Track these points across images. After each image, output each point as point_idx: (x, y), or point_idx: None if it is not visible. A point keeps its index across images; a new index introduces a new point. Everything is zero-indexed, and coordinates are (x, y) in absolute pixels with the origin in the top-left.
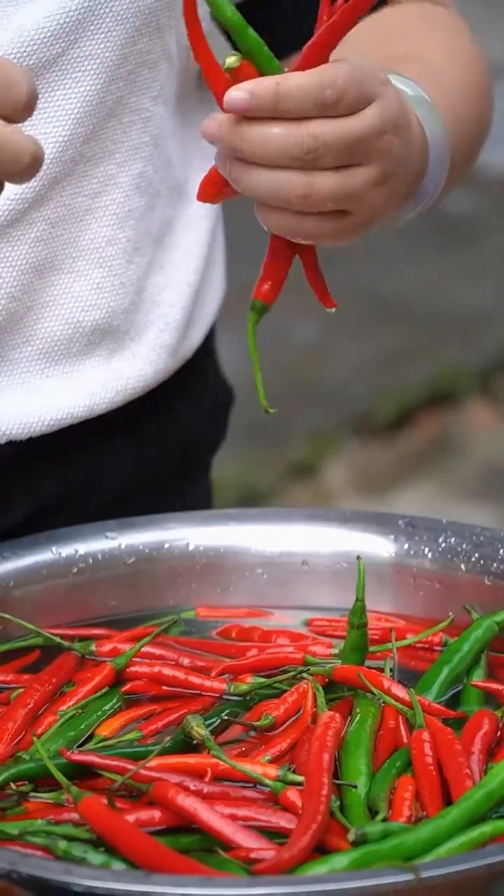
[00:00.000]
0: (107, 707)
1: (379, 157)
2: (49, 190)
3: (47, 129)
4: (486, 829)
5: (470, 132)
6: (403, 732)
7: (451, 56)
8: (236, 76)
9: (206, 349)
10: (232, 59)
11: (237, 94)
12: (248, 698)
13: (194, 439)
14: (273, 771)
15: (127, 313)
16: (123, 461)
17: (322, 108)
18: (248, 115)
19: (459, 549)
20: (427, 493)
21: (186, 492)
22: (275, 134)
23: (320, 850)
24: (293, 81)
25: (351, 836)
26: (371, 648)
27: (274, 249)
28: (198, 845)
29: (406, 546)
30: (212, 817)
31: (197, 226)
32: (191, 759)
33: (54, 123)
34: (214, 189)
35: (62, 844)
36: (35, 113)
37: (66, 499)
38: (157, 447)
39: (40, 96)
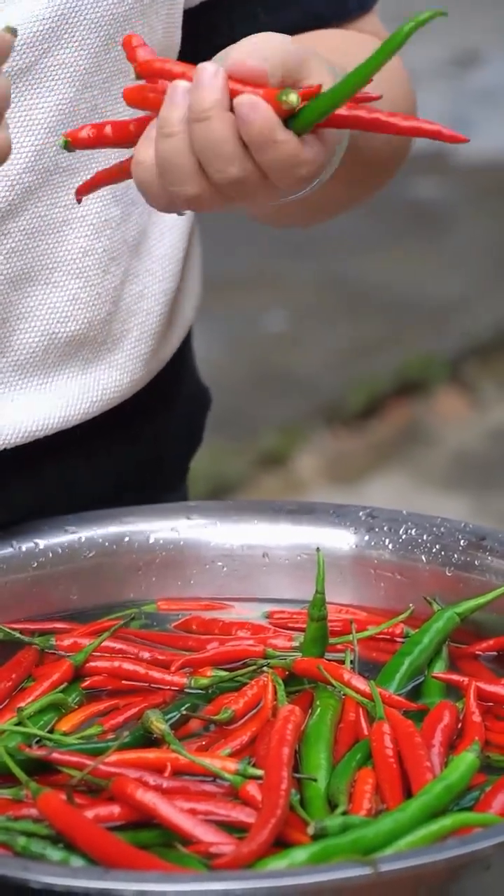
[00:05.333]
0: (69, 702)
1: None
2: (24, 201)
3: (20, 138)
4: (446, 822)
5: (378, 140)
6: (364, 725)
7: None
8: None
9: (183, 354)
10: (294, 100)
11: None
12: (209, 692)
13: (171, 445)
14: (233, 765)
15: (103, 324)
16: (98, 469)
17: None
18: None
19: (420, 541)
20: (398, 482)
21: (163, 498)
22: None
23: (280, 844)
24: (281, 153)
25: (310, 830)
26: (331, 640)
27: None
28: (157, 840)
29: (366, 538)
30: (171, 812)
31: (171, 231)
32: (150, 754)
33: (27, 133)
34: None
35: (21, 841)
36: (8, 122)
37: (40, 508)
38: (132, 455)
39: (12, 104)
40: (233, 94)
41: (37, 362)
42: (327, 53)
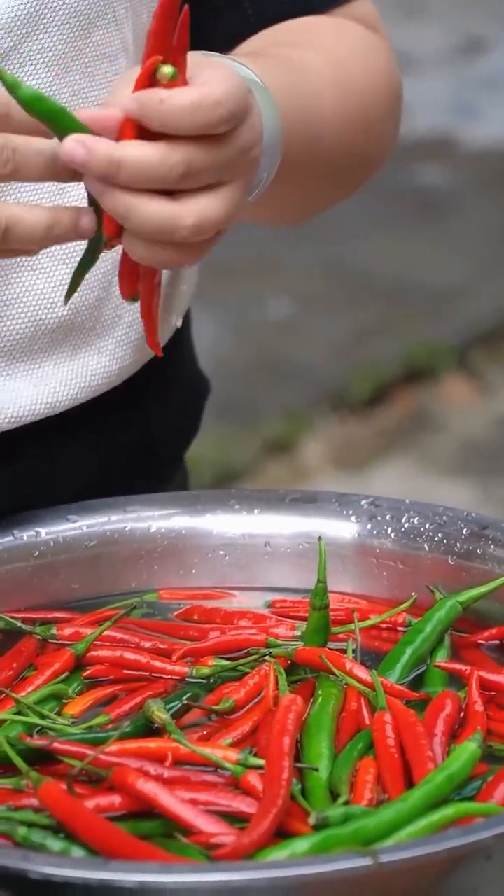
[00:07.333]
0: (69, 692)
1: (246, 171)
2: (7, 185)
3: None
4: (448, 812)
5: (333, 142)
6: (366, 714)
7: (333, 70)
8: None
9: (178, 342)
10: (168, 71)
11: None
12: (210, 681)
13: (163, 435)
14: (234, 755)
15: (92, 309)
16: (86, 457)
17: (205, 130)
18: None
19: (422, 530)
20: (404, 469)
21: (154, 488)
22: (154, 161)
23: (281, 834)
24: (177, 101)
25: (312, 820)
26: (334, 630)
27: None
28: (158, 830)
29: (369, 526)
30: (172, 802)
31: None
32: (151, 744)
33: None
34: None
35: (21, 831)
36: None
37: (28, 496)
38: (122, 443)
39: None
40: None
41: (24, 349)
42: (274, 43)
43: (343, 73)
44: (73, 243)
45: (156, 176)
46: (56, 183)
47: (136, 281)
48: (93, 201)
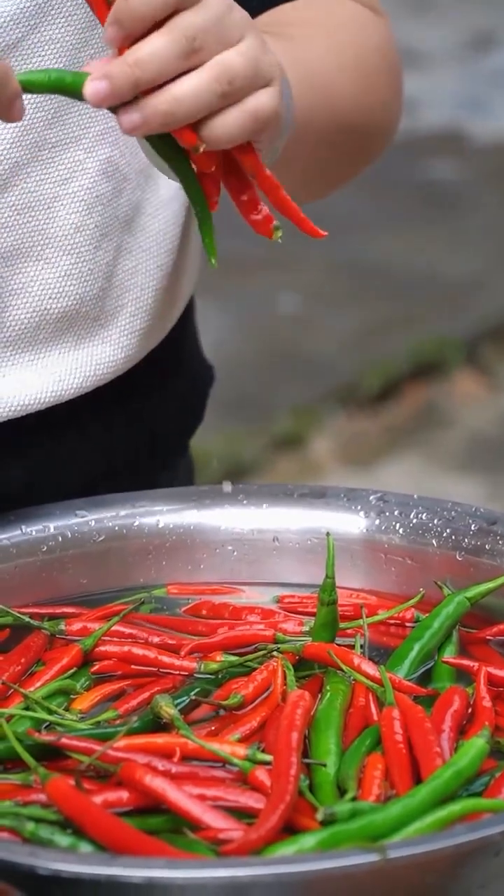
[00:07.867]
0: (77, 688)
1: (246, 27)
2: (12, 176)
3: None
4: (455, 807)
5: (334, 111)
6: (373, 710)
7: (326, 30)
8: None
9: (182, 331)
10: None
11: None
12: (218, 677)
13: (167, 423)
14: (242, 750)
15: (96, 299)
16: (92, 446)
17: (176, 4)
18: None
19: (431, 525)
20: (413, 464)
21: (159, 476)
22: (161, 44)
23: (289, 829)
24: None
25: (319, 816)
26: (342, 625)
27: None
28: (166, 826)
29: (377, 522)
30: (180, 798)
31: (167, 208)
32: (159, 739)
33: None
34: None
35: (29, 826)
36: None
37: (33, 485)
38: (127, 431)
39: None
40: None
41: (28, 338)
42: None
43: (335, 30)
44: (76, 239)
45: (173, 53)
46: (57, 180)
47: (257, 203)
48: (157, 145)
